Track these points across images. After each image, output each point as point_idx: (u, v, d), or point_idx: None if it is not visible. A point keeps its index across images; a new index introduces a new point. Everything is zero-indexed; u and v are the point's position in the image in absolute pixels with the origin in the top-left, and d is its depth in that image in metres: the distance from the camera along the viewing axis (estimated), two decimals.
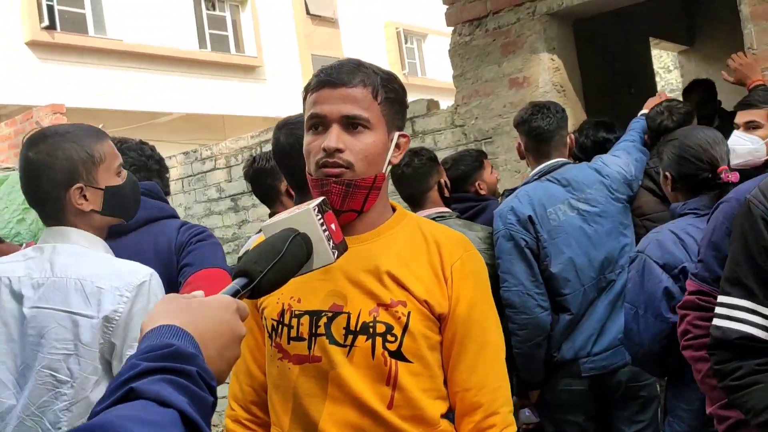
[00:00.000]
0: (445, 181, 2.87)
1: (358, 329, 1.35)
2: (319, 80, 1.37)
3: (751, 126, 2.64)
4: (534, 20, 3.94)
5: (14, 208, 4.76)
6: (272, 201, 2.76)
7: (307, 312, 1.39)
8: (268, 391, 1.47)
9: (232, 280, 1.07)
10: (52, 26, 12.87)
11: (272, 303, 1.42)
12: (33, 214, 4.87)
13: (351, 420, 1.35)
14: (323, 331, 1.37)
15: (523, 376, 2.77)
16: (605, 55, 5.11)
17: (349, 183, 1.34)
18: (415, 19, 19.59)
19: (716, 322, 1.49)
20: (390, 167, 1.41)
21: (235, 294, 1.03)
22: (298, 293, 1.39)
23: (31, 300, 1.66)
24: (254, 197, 3.08)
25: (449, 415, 1.43)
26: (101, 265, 1.70)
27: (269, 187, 2.73)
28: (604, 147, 3.08)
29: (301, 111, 1.45)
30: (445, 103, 4.58)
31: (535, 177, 2.84)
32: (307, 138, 1.38)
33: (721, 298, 1.50)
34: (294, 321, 1.39)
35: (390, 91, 1.38)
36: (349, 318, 1.36)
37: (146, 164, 2.51)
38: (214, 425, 3.76)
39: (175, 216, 2.34)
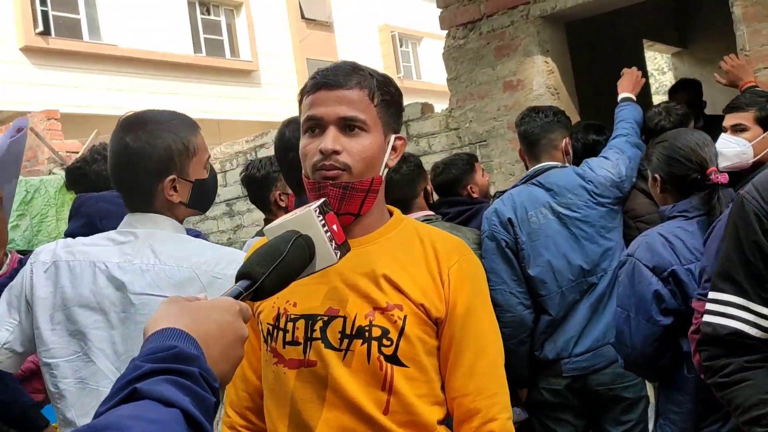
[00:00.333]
0: (430, 187, 2.93)
1: (353, 333, 1.34)
2: (315, 82, 1.36)
3: (737, 129, 2.67)
4: (527, 23, 3.96)
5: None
6: (264, 208, 2.83)
7: (302, 316, 1.37)
8: (264, 396, 1.46)
9: (235, 282, 1.07)
10: (46, 32, 12.85)
11: (268, 307, 1.41)
12: (27, 221, 4.87)
13: (346, 425, 1.34)
14: (319, 335, 1.36)
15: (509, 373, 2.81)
16: (599, 58, 5.12)
17: (346, 186, 1.33)
18: (410, 23, 19.60)
19: (706, 318, 1.48)
20: (386, 170, 1.41)
21: (238, 296, 1.03)
22: (293, 297, 1.38)
23: (137, 286, 1.62)
24: (249, 202, 3.12)
25: (448, 422, 1.41)
26: (209, 252, 1.67)
27: (260, 195, 2.79)
28: (594, 149, 3.08)
29: (298, 114, 1.45)
30: (441, 106, 4.59)
31: (522, 180, 2.91)
32: (304, 140, 1.38)
33: (711, 294, 1.49)
34: (289, 325, 1.38)
35: (386, 94, 1.38)
36: (345, 322, 1.35)
37: None
38: None
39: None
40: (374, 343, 1.33)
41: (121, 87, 13.48)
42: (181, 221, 1.76)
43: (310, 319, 1.37)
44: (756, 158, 2.62)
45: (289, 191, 2.64)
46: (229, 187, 5.72)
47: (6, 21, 12.34)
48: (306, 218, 1.20)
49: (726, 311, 1.44)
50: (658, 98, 9.15)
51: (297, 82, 16.06)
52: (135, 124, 1.68)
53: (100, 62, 13.33)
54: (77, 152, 6.49)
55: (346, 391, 1.34)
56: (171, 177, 1.67)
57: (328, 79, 1.35)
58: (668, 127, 2.88)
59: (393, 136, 1.41)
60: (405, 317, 1.35)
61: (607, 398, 2.74)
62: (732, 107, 2.73)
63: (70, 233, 2.30)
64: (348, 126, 1.34)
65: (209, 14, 16.02)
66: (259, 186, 2.79)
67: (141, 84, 13.81)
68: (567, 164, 2.93)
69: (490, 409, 1.37)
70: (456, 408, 1.39)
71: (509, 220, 2.78)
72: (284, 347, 1.39)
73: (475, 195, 3.19)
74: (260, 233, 2.66)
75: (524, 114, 2.98)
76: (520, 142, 2.99)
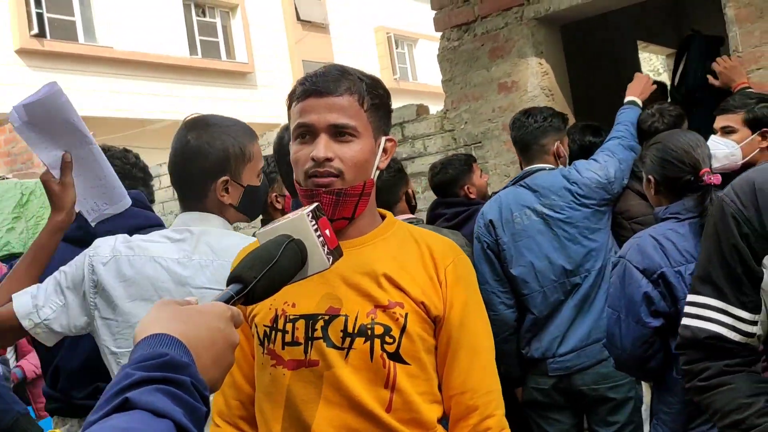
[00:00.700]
0: (412, 191, 2.96)
1: (356, 331, 1.34)
2: (304, 89, 1.37)
3: (726, 131, 2.70)
4: (522, 25, 3.96)
5: (4, 218, 4.75)
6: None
7: (302, 316, 1.37)
8: (258, 400, 1.44)
9: (226, 286, 1.07)
10: (41, 34, 12.84)
11: (264, 309, 1.41)
12: (23, 224, 4.87)
13: (349, 423, 1.34)
14: (320, 335, 1.36)
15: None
16: (593, 59, 5.14)
17: (339, 192, 1.34)
18: (405, 24, 19.63)
19: (685, 321, 1.46)
20: (378, 172, 1.42)
21: (229, 300, 1.02)
22: (292, 298, 1.38)
23: (197, 281, 1.68)
24: None
25: (443, 421, 1.42)
26: None
27: None
28: (590, 151, 3.08)
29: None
30: (439, 107, 4.60)
31: (512, 182, 2.97)
32: (294, 147, 1.38)
33: (690, 297, 1.47)
34: (289, 326, 1.38)
35: (375, 97, 1.39)
36: (346, 320, 1.35)
37: (131, 172, 2.53)
38: None
39: (162, 225, 2.35)
40: (377, 341, 1.34)
41: (116, 89, 13.47)
42: (229, 223, 1.81)
43: (310, 318, 1.37)
44: (745, 160, 2.65)
45: (286, 193, 2.64)
46: None
47: (1, 23, 12.33)
48: (298, 223, 1.19)
49: (705, 314, 1.42)
50: None
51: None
52: (199, 124, 1.77)
53: (95, 64, 13.32)
54: None
55: (349, 389, 1.34)
56: (224, 178, 1.74)
57: (318, 86, 1.35)
58: (662, 129, 2.88)
59: (383, 138, 1.42)
60: (406, 315, 1.36)
61: (592, 398, 2.77)
62: (722, 109, 2.76)
63: (65, 236, 2.30)
64: (339, 132, 1.34)
65: (205, 16, 16.02)
66: None
67: (136, 86, 13.81)
68: (560, 166, 2.95)
69: (487, 405, 1.39)
70: (454, 405, 1.41)
71: (490, 221, 2.86)
72: (283, 348, 1.38)
73: (472, 196, 3.20)
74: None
75: (515, 118, 3.01)
76: (513, 145, 3.04)
